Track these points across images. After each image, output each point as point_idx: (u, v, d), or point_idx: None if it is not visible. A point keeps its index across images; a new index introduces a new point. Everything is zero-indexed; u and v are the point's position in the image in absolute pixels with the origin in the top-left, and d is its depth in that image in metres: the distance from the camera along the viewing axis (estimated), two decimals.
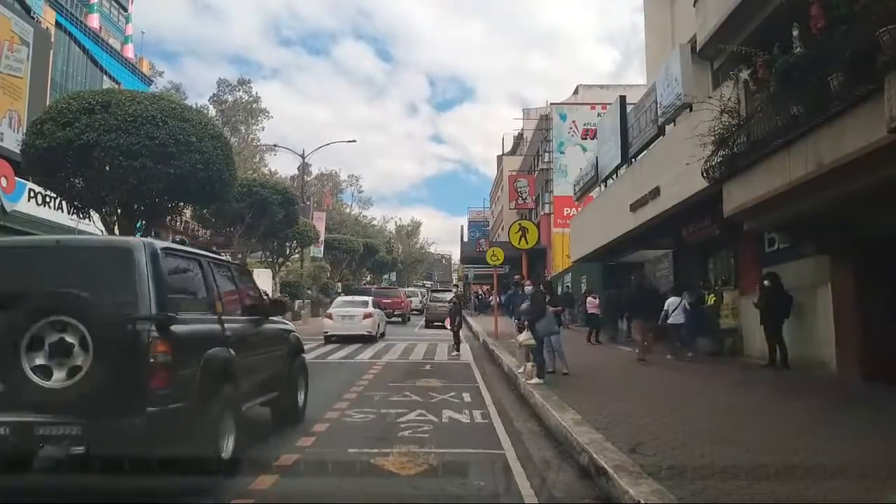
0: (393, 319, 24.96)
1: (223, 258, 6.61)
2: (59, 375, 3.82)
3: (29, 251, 4.62)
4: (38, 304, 3.86)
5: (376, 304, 19.75)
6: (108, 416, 3.86)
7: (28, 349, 3.80)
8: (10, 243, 5.47)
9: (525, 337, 8.47)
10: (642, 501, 3.59)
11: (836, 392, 8.02)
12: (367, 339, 16.97)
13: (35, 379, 3.79)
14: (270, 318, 6.25)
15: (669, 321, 11.95)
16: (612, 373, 10.18)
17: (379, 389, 8.71)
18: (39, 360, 3.81)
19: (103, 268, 4.23)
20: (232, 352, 4.83)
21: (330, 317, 17.60)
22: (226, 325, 4.96)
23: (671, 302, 12.08)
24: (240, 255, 25.81)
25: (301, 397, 6.67)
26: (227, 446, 4.65)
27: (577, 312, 21.05)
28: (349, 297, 20.17)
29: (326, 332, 17.09)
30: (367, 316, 17.39)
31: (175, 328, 4.04)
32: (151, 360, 3.89)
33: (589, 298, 16.83)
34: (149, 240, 4.87)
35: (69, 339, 3.83)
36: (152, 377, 3.91)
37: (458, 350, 14.56)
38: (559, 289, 23.35)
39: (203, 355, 4.38)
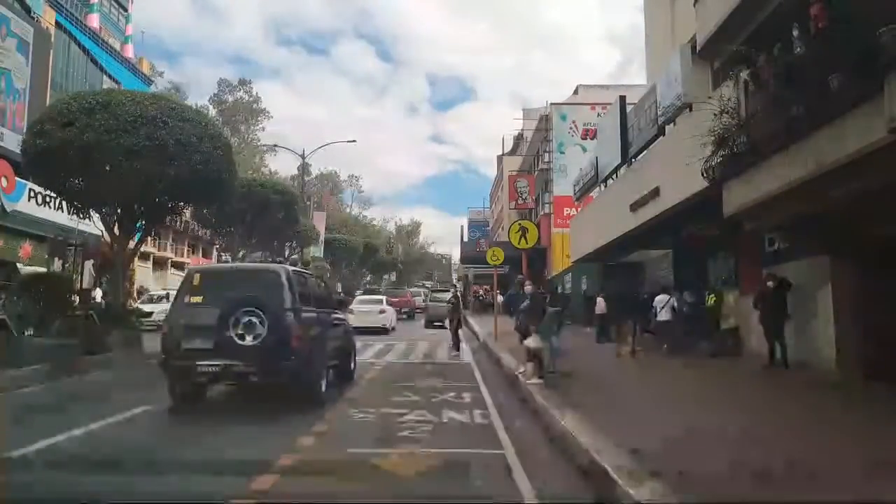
0: (400, 316, 27.56)
1: (315, 274, 11.06)
2: (248, 339, 6.85)
3: (229, 272, 8.78)
4: (239, 301, 6.93)
5: (388, 303, 23.21)
6: (272, 361, 6.91)
7: (233, 325, 6.84)
8: (219, 269, 10.74)
9: (535, 343, 8.41)
10: (643, 502, 3.59)
11: (836, 392, 8.03)
12: (382, 332, 19.58)
13: (236, 341, 6.82)
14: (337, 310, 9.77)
15: (658, 318, 12.64)
16: (613, 373, 10.18)
17: (379, 389, 8.71)
18: (239, 331, 6.83)
19: (266, 282, 7.43)
20: (324, 329, 8.20)
21: (352, 312, 19.14)
22: (319, 314, 8.19)
23: (659, 300, 12.80)
24: (240, 255, 25.83)
25: (353, 363, 10.04)
26: (323, 386, 7.75)
27: (578, 313, 21.05)
28: (367, 297, 23.74)
29: None
30: (382, 312, 20.90)
31: (301, 315, 7.35)
32: (291, 332, 7.05)
33: (598, 299, 16.80)
34: (285, 266, 8.12)
35: (255, 320, 6.87)
36: (291, 340, 7.05)
37: (457, 350, 14.57)
38: (558, 289, 23.41)
39: (311, 330, 7.62)
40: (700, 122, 9.31)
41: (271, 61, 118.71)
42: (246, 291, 7.15)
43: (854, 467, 4.39)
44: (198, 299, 7.32)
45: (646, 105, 14.83)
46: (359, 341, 16.70)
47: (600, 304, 16.49)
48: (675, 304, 12.75)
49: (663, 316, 12.54)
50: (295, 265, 9.99)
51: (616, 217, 15.96)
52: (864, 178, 6.45)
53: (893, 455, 4.77)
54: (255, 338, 6.84)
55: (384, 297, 23.23)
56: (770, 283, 10.23)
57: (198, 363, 6.96)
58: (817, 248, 9.63)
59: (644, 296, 14.44)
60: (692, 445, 5.02)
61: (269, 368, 6.93)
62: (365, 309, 20.43)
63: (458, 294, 17.69)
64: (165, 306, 20.30)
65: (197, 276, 7.76)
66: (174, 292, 8.80)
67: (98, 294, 13.45)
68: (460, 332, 15.85)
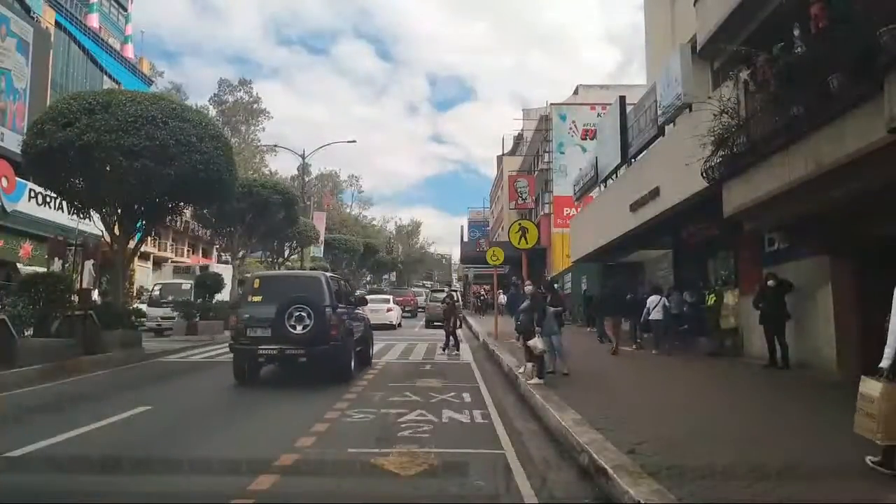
0: (405, 314, 30.32)
1: (345, 278, 13.56)
2: (299, 329, 8.78)
3: (282, 277, 11.75)
4: (293, 299, 8.86)
5: (394, 302, 26.04)
6: (316, 346, 8.87)
7: (287, 318, 8.76)
8: (277, 275, 13.00)
9: (540, 345, 8.39)
10: (642, 501, 3.59)
11: (836, 392, 8.01)
12: (389, 328, 21.98)
13: (290, 330, 8.76)
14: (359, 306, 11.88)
15: (650, 318, 12.96)
16: (613, 373, 10.18)
17: (379, 389, 8.70)
18: (291, 322, 8.74)
19: (310, 284, 9.62)
20: (351, 321, 10.22)
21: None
22: (348, 310, 10.30)
23: (652, 300, 13.02)
24: (240, 255, 25.83)
25: (372, 351, 12.31)
26: (352, 365, 9.88)
27: (580, 313, 21.07)
28: (375, 297, 25.20)
29: None
30: (389, 310, 23.24)
31: (337, 310, 9.42)
32: (330, 323, 9.01)
33: None
34: (325, 272, 10.84)
35: (304, 314, 8.79)
36: (331, 330, 9.00)
37: (457, 350, 14.57)
38: (556, 288, 23.36)
39: (344, 322, 9.57)
40: (700, 122, 9.31)
41: (271, 61, 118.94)
42: (295, 292, 9.10)
43: (854, 467, 4.39)
44: (258, 298, 9.50)
45: (646, 105, 14.83)
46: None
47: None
48: (667, 304, 13.01)
49: (655, 315, 12.86)
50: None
51: (616, 217, 15.96)
52: (864, 178, 6.45)
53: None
54: (304, 328, 8.83)
55: (391, 297, 26.12)
56: (770, 283, 10.23)
57: (259, 347, 9.06)
58: (817, 248, 9.62)
59: (634, 295, 14.76)
60: (692, 445, 5.02)
61: (314, 351, 8.97)
62: (374, 307, 21.71)
63: (455, 295, 17.59)
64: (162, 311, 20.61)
65: (257, 280, 10.33)
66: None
67: (95, 293, 13.41)
68: (459, 331, 15.81)
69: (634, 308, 13.70)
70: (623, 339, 14.99)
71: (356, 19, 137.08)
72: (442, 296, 26.69)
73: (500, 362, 11.51)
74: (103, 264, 14.17)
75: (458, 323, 15.28)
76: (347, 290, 11.64)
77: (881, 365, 4.40)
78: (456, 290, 21.50)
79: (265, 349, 9.02)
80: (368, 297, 27.57)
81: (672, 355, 12.28)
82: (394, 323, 23.23)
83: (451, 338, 14.54)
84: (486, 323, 22.59)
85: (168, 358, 13.36)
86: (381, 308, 22.21)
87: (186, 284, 21.68)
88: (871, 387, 4.30)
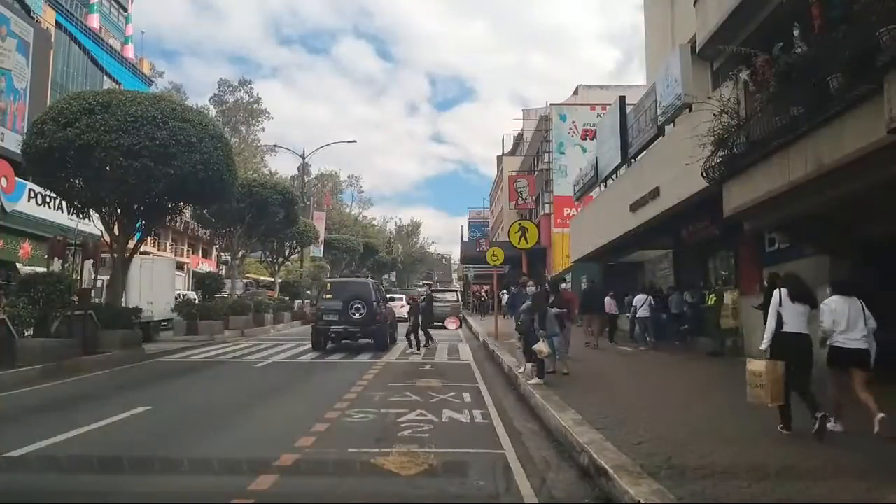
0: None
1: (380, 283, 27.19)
2: (357, 315, 14.44)
3: (344, 283, 16.82)
4: (353, 296, 14.68)
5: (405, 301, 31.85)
6: (367, 326, 14.55)
7: (349, 308, 14.36)
8: (341, 280, 18.07)
9: (545, 348, 8.38)
10: (642, 501, 3.59)
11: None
12: (403, 321, 25.04)
13: (351, 316, 14.44)
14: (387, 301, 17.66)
15: (637, 315, 14.16)
16: (612, 373, 10.18)
17: (379, 389, 8.70)
18: (352, 311, 14.35)
19: (363, 287, 15.74)
20: (386, 312, 15.92)
21: None
22: (385, 304, 16.74)
23: (638, 299, 14.29)
24: (240, 255, 25.83)
25: (395, 333, 16.83)
26: (388, 340, 15.61)
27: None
28: (391, 295, 28.60)
29: None
30: (402, 306, 26.50)
31: (379, 304, 15.33)
32: (376, 312, 14.79)
33: (606, 299, 16.74)
34: (371, 280, 18.22)
35: (360, 305, 14.51)
36: (376, 316, 14.78)
37: (426, 347, 14.58)
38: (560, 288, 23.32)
39: (383, 312, 15.51)
40: (700, 123, 9.31)
41: (271, 60, 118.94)
42: (354, 292, 14.86)
43: (854, 467, 4.39)
44: (329, 296, 15.18)
45: (645, 105, 14.82)
46: (360, 341, 17.27)
47: (609, 304, 16.43)
48: (653, 302, 14.22)
49: (642, 313, 14.04)
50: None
51: (616, 217, 15.96)
52: (864, 178, 6.45)
53: (893, 456, 4.77)
54: (360, 315, 14.39)
55: (404, 296, 30.43)
56: (767, 284, 10.24)
57: (331, 326, 14.58)
58: (817, 248, 9.62)
59: (617, 295, 15.98)
60: (692, 445, 5.02)
61: (366, 329, 14.57)
62: (392, 304, 25.40)
63: (423, 296, 17.06)
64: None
65: (328, 284, 16.86)
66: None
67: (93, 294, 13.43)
68: (460, 331, 15.84)
69: (600, 307, 15.06)
70: (623, 341, 15.07)
71: (356, 19, 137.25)
72: (447, 296, 28.19)
73: (500, 362, 11.51)
74: (103, 264, 14.16)
75: (415, 324, 14.85)
76: (382, 291, 18.28)
77: (761, 347, 5.73)
78: (429, 287, 21.85)
79: (335, 328, 14.60)
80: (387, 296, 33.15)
81: (659, 350, 13.25)
82: (406, 315, 26.48)
83: (412, 336, 14.43)
84: (487, 323, 22.59)
85: (168, 358, 13.36)
86: (397, 305, 26.57)
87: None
88: (756, 365, 5.55)
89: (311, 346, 14.96)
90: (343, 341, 15.01)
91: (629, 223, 14.88)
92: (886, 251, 8.32)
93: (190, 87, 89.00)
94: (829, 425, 5.23)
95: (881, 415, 5.03)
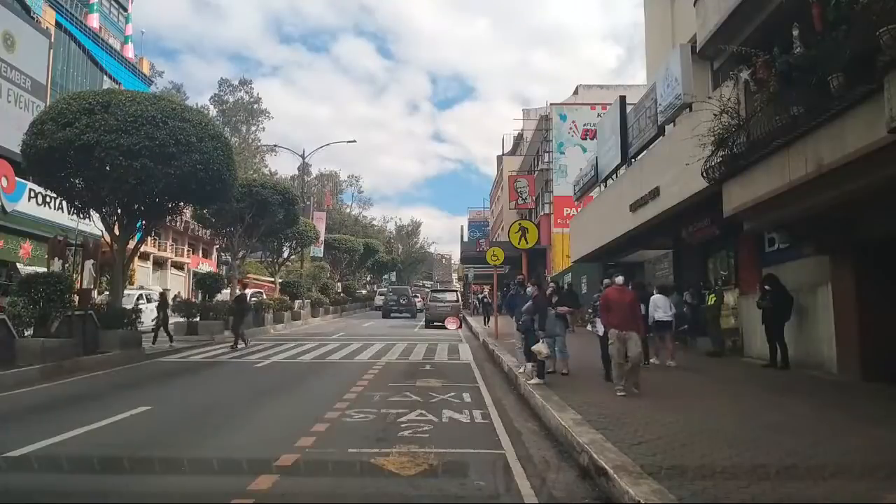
0: (405, 314, 38.66)
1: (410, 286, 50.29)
2: (402, 302, 36.70)
3: (396, 288, 44.64)
4: (399, 292, 38.75)
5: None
6: (408, 309, 36.15)
7: (399, 298, 36.98)
8: (396, 287, 46.52)
9: (545, 349, 8.38)
10: (642, 501, 3.59)
11: (836, 392, 8.03)
12: (412, 314, 36.42)
13: (399, 303, 36.50)
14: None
15: (657, 319, 12.45)
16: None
17: (379, 389, 8.70)
18: (402, 301, 36.83)
19: (404, 290, 40.61)
20: (413, 301, 37.34)
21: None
22: (414, 296, 39.10)
23: (656, 300, 12.72)
24: (240, 255, 25.81)
25: (417, 313, 34.95)
26: (418, 317, 33.41)
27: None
28: (442, 289, 38.93)
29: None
30: (416, 299, 38.06)
31: (414, 297, 38.62)
32: (412, 301, 37.26)
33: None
34: (408, 286, 51.48)
35: (404, 299, 37.02)
36: (414, 303, 37.17)
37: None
38: (562, 287, 23.36)
39: (415, 302, 37.43)
40: (700, 122, 9.31)
41: (271, 59, 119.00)
42: (400, 291, 38.80)
43: (854, 467, 4.39)
44: (391, 293, 38.35)
45: (645, 105, 14.82)
46: (358, 341, 17.34)
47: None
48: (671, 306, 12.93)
49: (663, 317, 12.25)
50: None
51: (616, 217, 15.96)
52: (864, 177, 6.45)
53: (893, 455, 4.77)
54: (405, 302, 36.06)
55: (417, 294, 41.83)
56: (766, 287, 10.24)
57: (392, 308, 35.53)
58: (817, 248, 9.62)
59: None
60: (692, 445, 5.02)
61: (407, 310, 35.40)
62: (443, 295, 33.26)
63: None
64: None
65: (386, 288, 45.67)
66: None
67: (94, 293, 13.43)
68: (460, 331, 15.80)
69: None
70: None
71: (357, 17, 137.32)
72: (447, 296, 29.42)
73: (500, 362, 11.51)
74: (103, 264, 14.16)
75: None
76: (411, 289, 42.27)
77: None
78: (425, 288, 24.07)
79: (394, 307, 35.36)
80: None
81: (679, 356, 11.44)
82: (418, 306, 37.01)
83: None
84: (489, 324, 22.56)
85: (168, 358, 13.36)
86: (448, 296, 33.96)
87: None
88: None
89: (381, 315, 35.42)
90: (394, 314, 34.64)
91: (629, 223, 14.88)
92: (886, 251, 8.32)
93: (190, 86, 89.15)
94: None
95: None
